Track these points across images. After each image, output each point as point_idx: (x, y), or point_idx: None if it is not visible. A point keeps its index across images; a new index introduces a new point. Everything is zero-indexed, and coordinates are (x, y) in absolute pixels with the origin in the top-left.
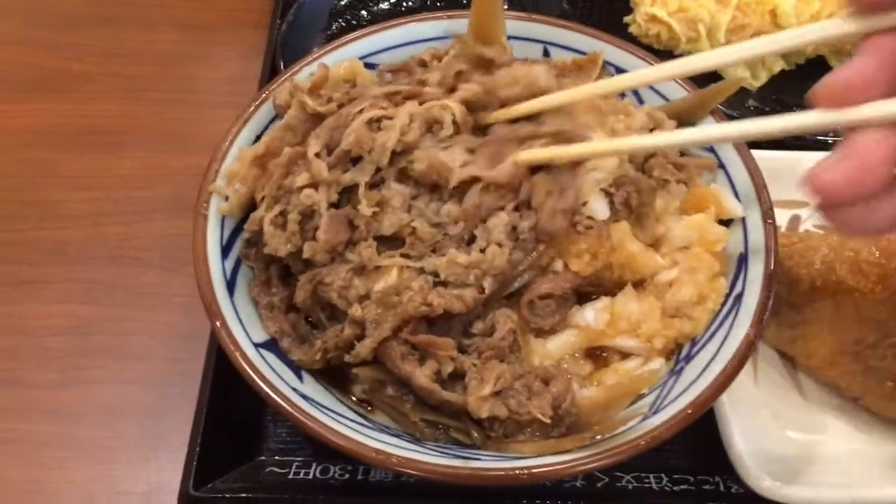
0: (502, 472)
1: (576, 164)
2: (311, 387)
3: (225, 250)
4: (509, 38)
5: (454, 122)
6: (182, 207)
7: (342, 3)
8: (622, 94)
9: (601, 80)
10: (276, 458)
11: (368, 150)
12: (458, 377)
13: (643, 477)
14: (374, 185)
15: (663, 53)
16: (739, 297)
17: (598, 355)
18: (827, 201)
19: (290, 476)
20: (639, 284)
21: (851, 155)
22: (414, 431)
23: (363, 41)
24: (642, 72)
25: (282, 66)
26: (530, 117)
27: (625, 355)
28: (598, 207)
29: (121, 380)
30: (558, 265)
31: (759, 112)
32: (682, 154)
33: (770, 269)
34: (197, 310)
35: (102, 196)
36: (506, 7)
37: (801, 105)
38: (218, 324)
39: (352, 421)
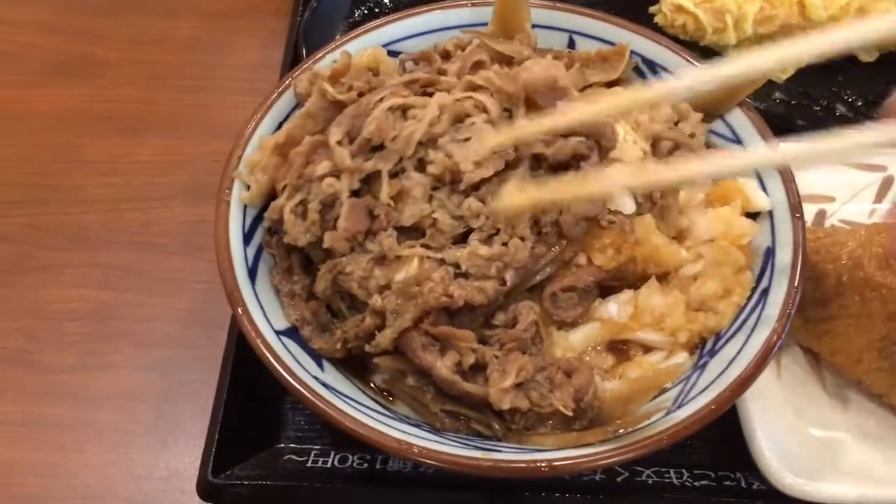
0: (523, 465)
1: (602, 167)
2: (331, 375)
3: (247, 237)
4: (534, 26)
5: (489, 120)
6: (201, 194)
7: None
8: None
9: (632, 88)
10: (295, 445)
11: (391, 138)
12: (479, 369)
13: (663, 472)
14: (394, 175)
15: (689, 44)
16: (766, 291)
17: (620, 349)
18: None
19: (309, 464)
20: (663, 278)
21: None
22: (434, 422)
23: (386, 29)
24: (674, 81)
25: (304, 54)
26: None
27: (648, 349)
28: (625, 202)
29: (139, 365)
30: (581, 259)
31: (786, 105)
32: (708, 146)
33: (798, 264)
34: (216, 296)
35: (122, 182)
36: None
37: (827, 98)
38: (239, 310)
39: (372, 410)
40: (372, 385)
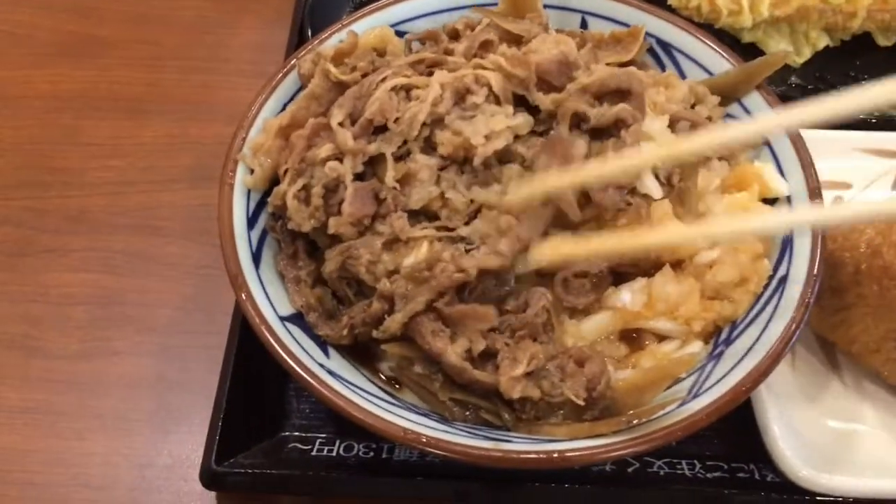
0: (534, 456)
1: (638, 139)
2: (337, 363)
3: (251, 221)
4: (546, 6)
5: (492, 93)
6: (205, 177)
7: None
8: (662, 67)
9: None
10: (300, 434)
11: (394, 119)
12: (489, 356)
13: (675, 463)
14: (399, 158)
15: (703, 27)
16: (784, 279)
17: (633, 338)
18: None
19: (314, 453)
20: (677, 265)
21: None
22: (443, 411)
23: (395, 8)
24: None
25: (309, 34)
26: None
27: (662, 338)
28: (651, 185)
29: (142, 351)
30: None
31: (802, 89)
32: None
33: (817, 252)
34: (220, 282)
35: (125, 164)
36: None
37: (845, 83)
38: (243, 296)
39: (379, 399)
40: (379, 373)
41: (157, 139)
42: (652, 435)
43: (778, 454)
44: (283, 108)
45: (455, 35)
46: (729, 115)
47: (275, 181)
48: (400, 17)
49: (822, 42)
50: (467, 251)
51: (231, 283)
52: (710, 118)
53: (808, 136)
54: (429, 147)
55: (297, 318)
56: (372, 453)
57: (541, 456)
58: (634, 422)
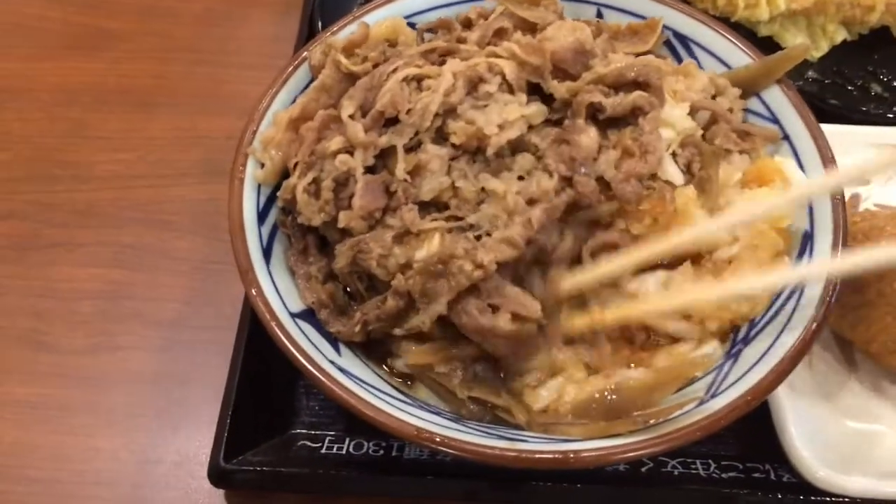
0: (549, 456)
1: (656, 126)
2: (349, 360)
3: (261, 216)
4: None
5: (505, 81)
6: (214, 172)
7: None
8: (679, 60)
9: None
10: (309, 431)
11: (406, 110)
12: None
13: (690, 462)
14: (410, 149)
15: (719, 21)
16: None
17: (646, 338)
18: None
19: (323, 451)
20: (696, 260)
21: None
22: (458, 409)
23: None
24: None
25: (320, 27)
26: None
27: (675, 339)
28: (672, 171)
29: (150, 347)
30: (620, 226)
31: (819, 84)
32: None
33: (838, 249)
34: (230, 277)
35: (134, 158)
36: None
37: (863, 78)
38: (253, 291)
39: (391, 396)
40: (391, 370)
41: (166, 132)
42: (670, 435)
43: (795, 454)
44: (294, 101)
45: (468, 24)
46: (748, 110)
47: (285, 175)
48: (413, 9)
49: (840, 36)
50: (477, 238)
51: (241, 278)
52: (731, 110)
53: (827, 130)
54: (440, 137)
55: (309, 315)
56: (382, 451)
57: (556, 456)
58: (651, 421)
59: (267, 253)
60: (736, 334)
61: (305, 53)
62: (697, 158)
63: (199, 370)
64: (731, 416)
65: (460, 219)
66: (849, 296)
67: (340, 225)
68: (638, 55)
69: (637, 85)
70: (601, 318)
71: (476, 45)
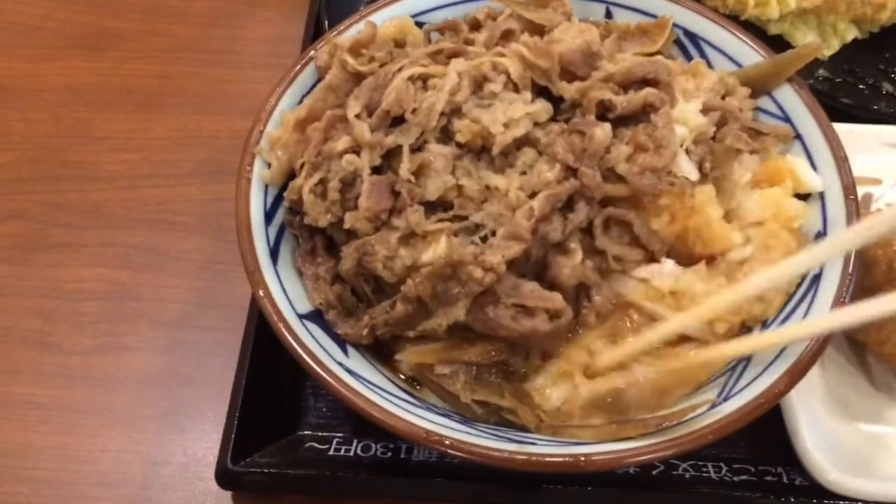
0: (560, 459)
1: (669, 121)
2: (356, 361)
3: (268, 216)
4: None
5: (510, 80)
6: (220, 172)
7: None
8: (689, 59)
9: None
10: (317, 433)
11: (411, 110)
12: None
13: (701, 465)
14: (416, 149)
15: (729, 19)
16: (817, 277)
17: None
18: None
19: (331, 452)
20: (710, 262)
21: None
22: (465, 412)
23: None
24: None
25: (326, 26)
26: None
27: (683, 339)
28: (687, 167)
29: (156, 347)
30: (632, 217)
31: (830, 83)
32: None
33: (852, 248)
34: (236, 277)
35: (139, 158)
36: None
37: (874, 76)
38: (261, 292)
39: (400, 399)
40: (398, 372)
41: (172, 133)
42: (682, 439)
43: (807, 457)
44: (301, 101)
45: (476, 25)
46: (759, 109)
47: (292, 175)
48: (419, 8)
49: (851, 34)
50: (483, 239)
51: (248, 279)
52: (741, 110)
53: (838, 129)
54: (445, 136)
55: (316, 316)
56: (390, 453)
57: (567, 460)
58: (665, 424)
59: (274, 253)
60: (749, 336)
61: (312, 53)
62: (709, 157)
63: (205, 371)
64: (744, 419)
65: (465, 218)
66: (861, 297)
67: (346, 226)
68: (647, 56)
69: (646, 83)
70: (629, 350)
71: (483, 46)
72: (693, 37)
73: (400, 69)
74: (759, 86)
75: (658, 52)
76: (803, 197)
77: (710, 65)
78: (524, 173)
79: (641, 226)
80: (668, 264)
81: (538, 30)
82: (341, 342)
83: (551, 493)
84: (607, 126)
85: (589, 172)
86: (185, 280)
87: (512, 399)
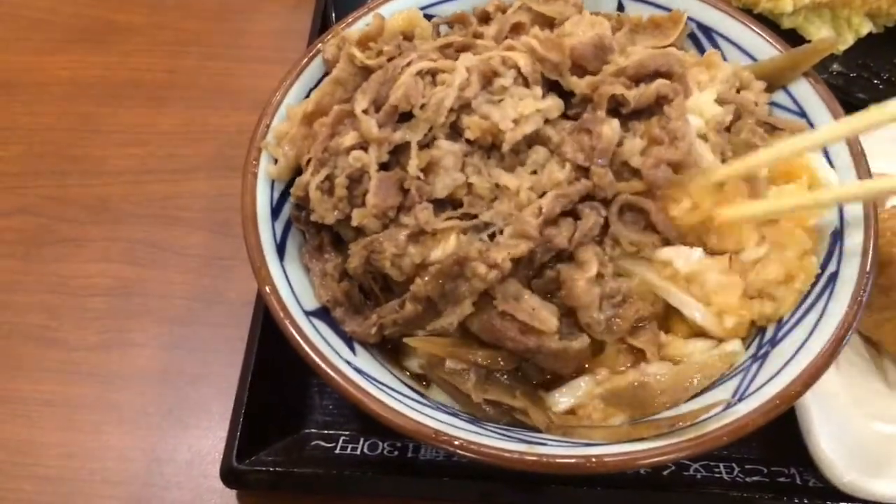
0: (572, 461)
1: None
2: (364, 360)
3: (275, 211)
4: None
5: (520, 75)
6: (226, 167)
7: None
8: (702, 51)
9: None
10: (323, 431)
11: (420, 105)
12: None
13: (713, 466)
14: (424, 145)
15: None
16: (834, 276)
17: (664, 323)
18: None
19: (337, 451)
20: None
21: None
22: (474, 411)
23: None
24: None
25: (334, 19)
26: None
27: (693, 332)
28: (708, 157)
29: (161, 344)
30: (648, 205)
31: (844, 77)
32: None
33: (870, 247)
34: (242, 273)
35: (145, 153)
36: None
37: (889, 71)
38: (267, 289)
39: (408, 398)
40: (406, 370)
41: (178, 127)
42: (695, 440)
43: (821, 458)
44: (308, 95)
45: (485, 18)
46: (775, 104)
47: (299, 171)
48: (429, 0)
49: (865, 28)
50: (492, 237)
51: (255, 275)
52: (756, 104)
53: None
54: (454, 133)
55: (323, 313)
56: (397, 452)
57: (578, 461)
58: (678, 425)
59: (281, 249)
60: (763, 335)
61: (319, 46)
62: (730, 148)
63: (211, 368)
64: (759, 421)
65: (474, 217)
66: (876, 296)
67: (354, 223)
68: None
69: (659, 75)
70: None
71: (493, 40)
72: (707, 30)
73: (408, 64)
74: (773, 80)
75: (671, 46)
76: None
77: (724, 58)
78: (535, 172)
79: (658, 212)
80: (697, 251)
81: (548, 23)
82: (349, 340)
83: (560, 494)
84: (615, 122)
85: (600, 171)
86: (191, 276)
87: (523, 399)
